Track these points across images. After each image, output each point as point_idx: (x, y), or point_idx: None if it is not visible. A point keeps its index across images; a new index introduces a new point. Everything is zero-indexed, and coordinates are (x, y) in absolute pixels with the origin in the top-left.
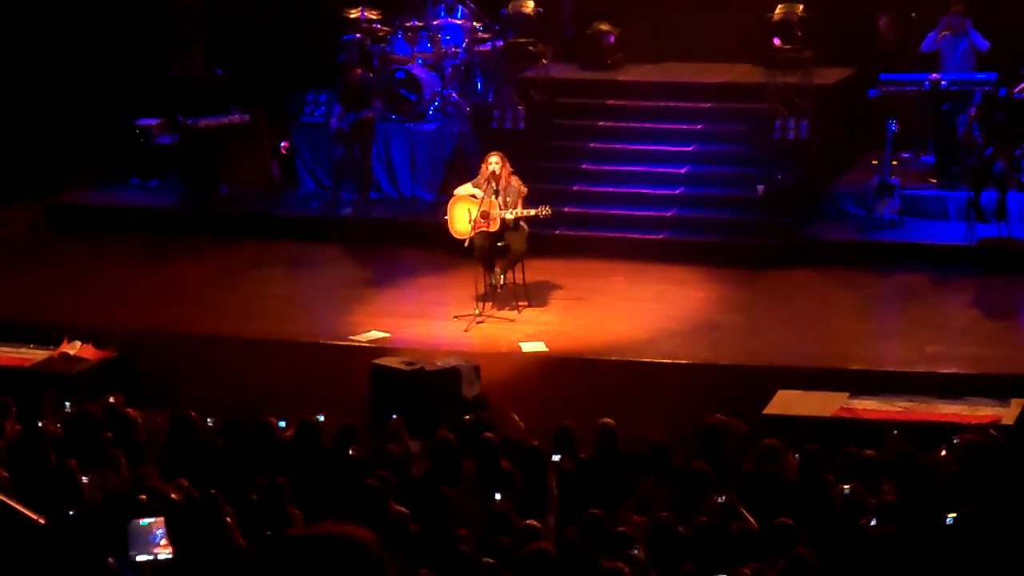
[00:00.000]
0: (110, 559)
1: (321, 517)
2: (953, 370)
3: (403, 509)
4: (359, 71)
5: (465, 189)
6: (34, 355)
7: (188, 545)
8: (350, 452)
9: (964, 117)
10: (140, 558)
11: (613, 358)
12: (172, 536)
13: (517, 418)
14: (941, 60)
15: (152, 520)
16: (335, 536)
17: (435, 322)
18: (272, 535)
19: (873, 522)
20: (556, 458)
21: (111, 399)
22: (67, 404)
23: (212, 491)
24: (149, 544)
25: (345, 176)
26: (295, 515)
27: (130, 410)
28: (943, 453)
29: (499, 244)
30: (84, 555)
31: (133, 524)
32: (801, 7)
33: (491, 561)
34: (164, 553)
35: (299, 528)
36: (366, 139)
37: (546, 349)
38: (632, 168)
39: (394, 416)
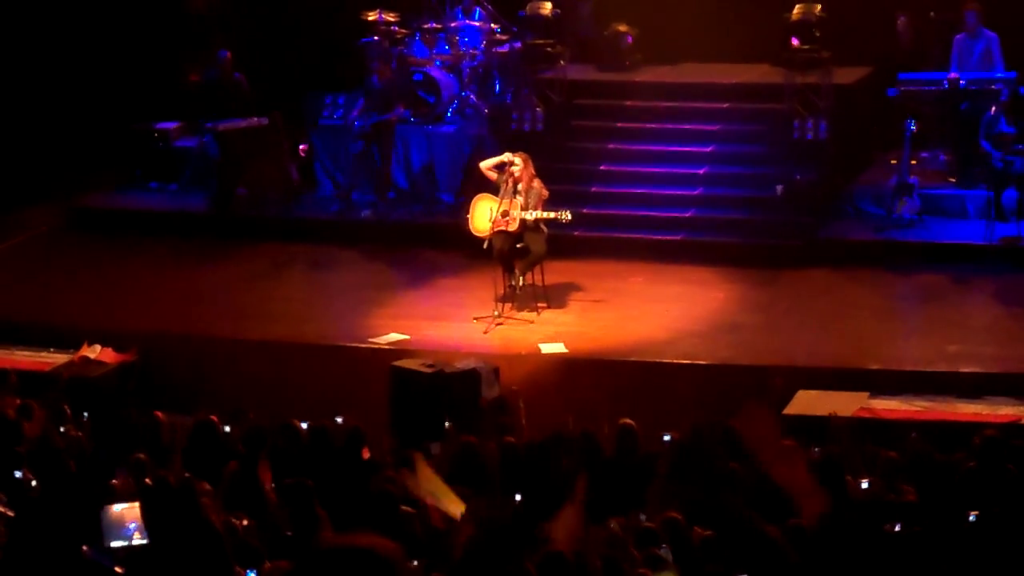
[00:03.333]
0: (85, 547)
1: (336, 520)
2: (974, 369)
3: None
4: (388, 73)
5: (489, 161)
6: (55, 359)
7: (163, 530)
8: (362, 455)
9: (987, 116)
10: (115, 544)
11: (633, 359)
12: (147, 521)
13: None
14: (959, 60)
15: (126, 506)
16: (362, 549)
17: (454, 324)
18: (297, 539)
19: (898, 528)
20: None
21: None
22: (85, 414)
23: (187, 474)
24: (124, 530)
25: (360, 175)
26: (323, 516)
27: (159, 412)
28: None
29: (518, 246)
30: (58, 544)
31: (107, 510)
32: (819, 7)
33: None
34: (139, 539)
35: (327, 532)
36: (385, 141)
37: (566, 350)
38: (650, 169)
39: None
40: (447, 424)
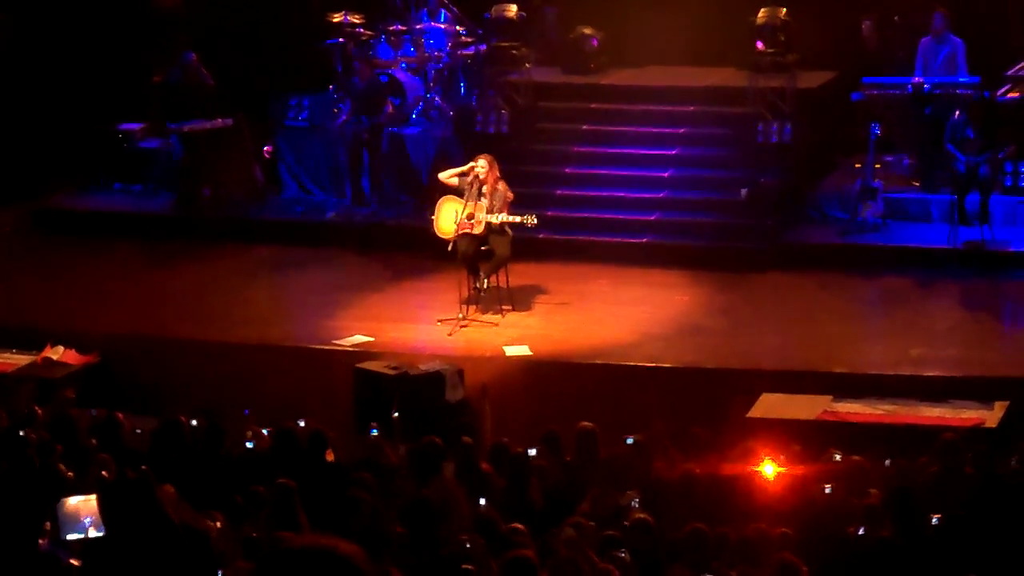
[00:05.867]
0: (41, 540)
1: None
2: (937, 373)
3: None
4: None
5: (449, 172)
6: (17, 360)
7: (120, 522)
8: (326, 458)
9: (952, 120)
10: (71, 536)
11: (597, 362)
12: (104, 514)
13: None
14: (924, 64)
15: (83, 498)
16: (321, 550)
17: (419, 326)
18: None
19: (861, 531)
20: (533, 452)
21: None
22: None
23: (144, 467)
24: (80, 522)
25: (337, 181)
26: (303, 521)
27: (119, 414)
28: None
29: (483, 248)
30: (13, 539)
31: (62, 503)
32: (784, 11)
33: (471, 568)
34: (95, 532)
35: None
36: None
37: (530, 353)
38: (615, 172)
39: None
40: (395, 414)
